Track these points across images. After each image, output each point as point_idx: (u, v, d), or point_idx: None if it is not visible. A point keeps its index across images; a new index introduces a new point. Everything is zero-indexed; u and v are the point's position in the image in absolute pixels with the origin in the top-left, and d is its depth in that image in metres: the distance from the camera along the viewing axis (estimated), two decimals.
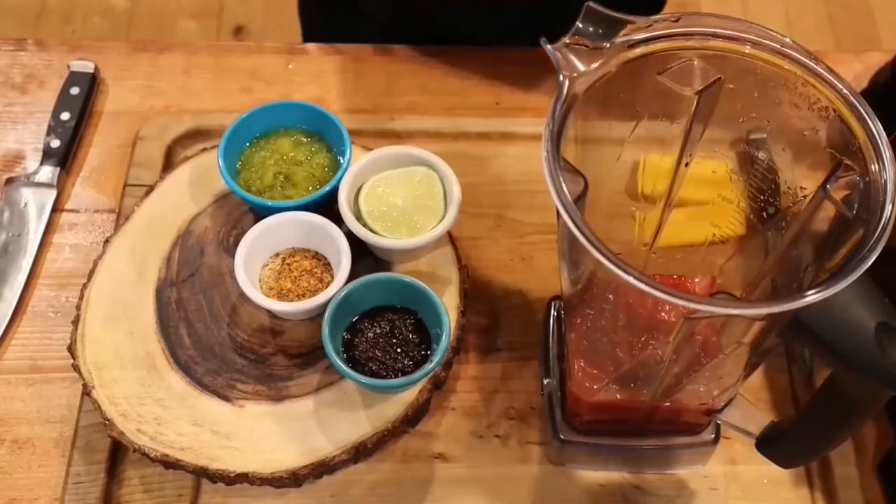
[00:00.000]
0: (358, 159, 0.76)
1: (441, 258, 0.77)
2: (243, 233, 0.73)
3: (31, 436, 0.72)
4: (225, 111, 0.86)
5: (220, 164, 0.75)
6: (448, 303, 0.72)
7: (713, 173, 0.65)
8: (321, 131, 0.80)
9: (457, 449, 0.72)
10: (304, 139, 0.79)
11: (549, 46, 0.51)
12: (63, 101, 0.87)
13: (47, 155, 0.84)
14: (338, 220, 0.73)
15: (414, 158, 0.76)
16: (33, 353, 0.76)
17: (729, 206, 0.64)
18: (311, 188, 0.77)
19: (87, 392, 0.70)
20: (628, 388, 0.63)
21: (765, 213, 0.62)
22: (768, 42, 0.52)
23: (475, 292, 0.78)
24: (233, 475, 0.67)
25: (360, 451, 0.69)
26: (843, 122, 0.51)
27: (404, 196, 0.75)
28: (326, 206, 0.75)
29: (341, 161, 0.77)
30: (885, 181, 0.48)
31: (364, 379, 0.66)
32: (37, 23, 1.97)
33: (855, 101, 0.50)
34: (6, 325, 0.76)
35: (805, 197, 0.55)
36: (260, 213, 0.76)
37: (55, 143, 0.84)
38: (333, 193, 0.74)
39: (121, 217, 0.80)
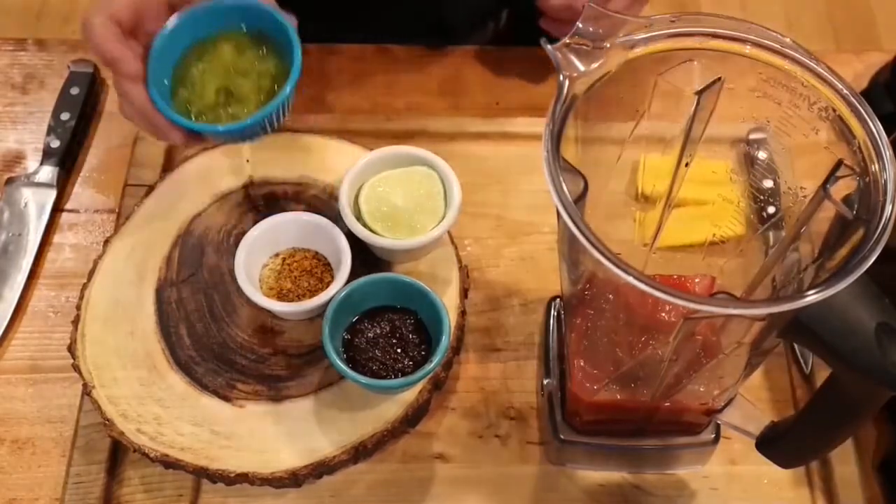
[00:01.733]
0: (358, 159, 0.76)
1: (441, 258, 0.77)
2: (243, 233, 0.73)
3: (31, 436, 0.72)
4: None
5: (150, 88, 0.64)
6: (448, 303, 0.72)
7: (713, 173, 0.65)
8: (265, 33, 0.68)
9: (457, 449, 0.72)
10: (247, 44, 0.68)
11: (549, 46, 0.51)
12: (63, 101, 0.87)
13: (47, 155, 0.84)
14: (338, 220, 0.73)
15: (414, 158, 0.76)
16: (33, 353, 0.76)
17: (729, 206, 0.64)
18: (260, 102, 0.67)
19: (87, 392, 0.70)
20: (628, 388, 0.63)
21: (765, 213, 0.62)
22: (768, 42, 0.52)
23: (475, 292, 0.78)
24: (233, 475, 0.67)
25: (360, 451, 0.69)
26: (843, 122, 0.51)
27: (404, 196, 0.75)
28: (277, 120, 0.66)
29: (291, 66, 0.65)
30: (885, 181, 0.48)
31: (364, 379, 0.66)
32: (37, 23, 1.97)
33: (855, 101, 0.50)
34: (6, 325, 0.76)
35: (805, 197, 0.55)
36: (209, 139, 0.68)
37: (55, 143, 0.84)
38: (285, 105, 0.65)
39: (121, 217, 0.80)
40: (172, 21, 0.65)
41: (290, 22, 0.66)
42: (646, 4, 0.83)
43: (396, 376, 0.67)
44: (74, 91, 0.87)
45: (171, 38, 0.66)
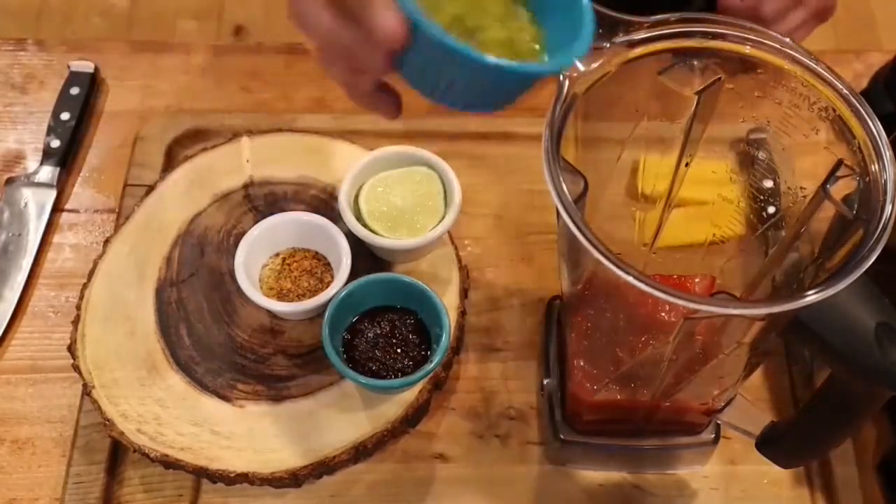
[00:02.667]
0: (358, 159, 0.76)
1: (441, 258, 0.77)
2: (243, 233, 0.73)
3: (31, 436, 0.72)
4: (225, 111, 0.86)
5: None
6: (448, 303, 0.72)
7: (713, 173, 0.65)
8: None
9: (457, 449, 0.72)
10: None
11: None
12: (63, 101, 0.87)
13: (47, 155, 0.84)
14: (338, 220, 0.73)
15: (414, 158, 0.76)
16: (33, 353, 0.76)
17: (729, 206, 0.64)
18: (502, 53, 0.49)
19: (87, 392, 0.70)
20: (628, 388, 0.63)
21: (765, 213, 0.62)
22: (768, 42, 0.53)
23: (475, 292, 0.78)
24: (233, 475, 0.67)
25: (360, 451, 0.69)
26: (843, 122, 0.51)
27: (404, 196, 0.75)
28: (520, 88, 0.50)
29: (564, 33, 0.48)
30: (885, 181, 0.48)
31: (364, 379, 0.66)
32: (37, 23, 1.97)
33: (855, 101, 0.50)
34: (6, 325, 0.76)
35: (805, 197, 0.55)
36: (428, 56, 0.47)
37: (55, 143, 0.84)
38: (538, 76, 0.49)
39: (121, 217, 0.80)
40: None
41: None
42: (827, 18, 0.70)
43: (396, 376, 0.67)
44: (74, 91, 0.87)
45: None
